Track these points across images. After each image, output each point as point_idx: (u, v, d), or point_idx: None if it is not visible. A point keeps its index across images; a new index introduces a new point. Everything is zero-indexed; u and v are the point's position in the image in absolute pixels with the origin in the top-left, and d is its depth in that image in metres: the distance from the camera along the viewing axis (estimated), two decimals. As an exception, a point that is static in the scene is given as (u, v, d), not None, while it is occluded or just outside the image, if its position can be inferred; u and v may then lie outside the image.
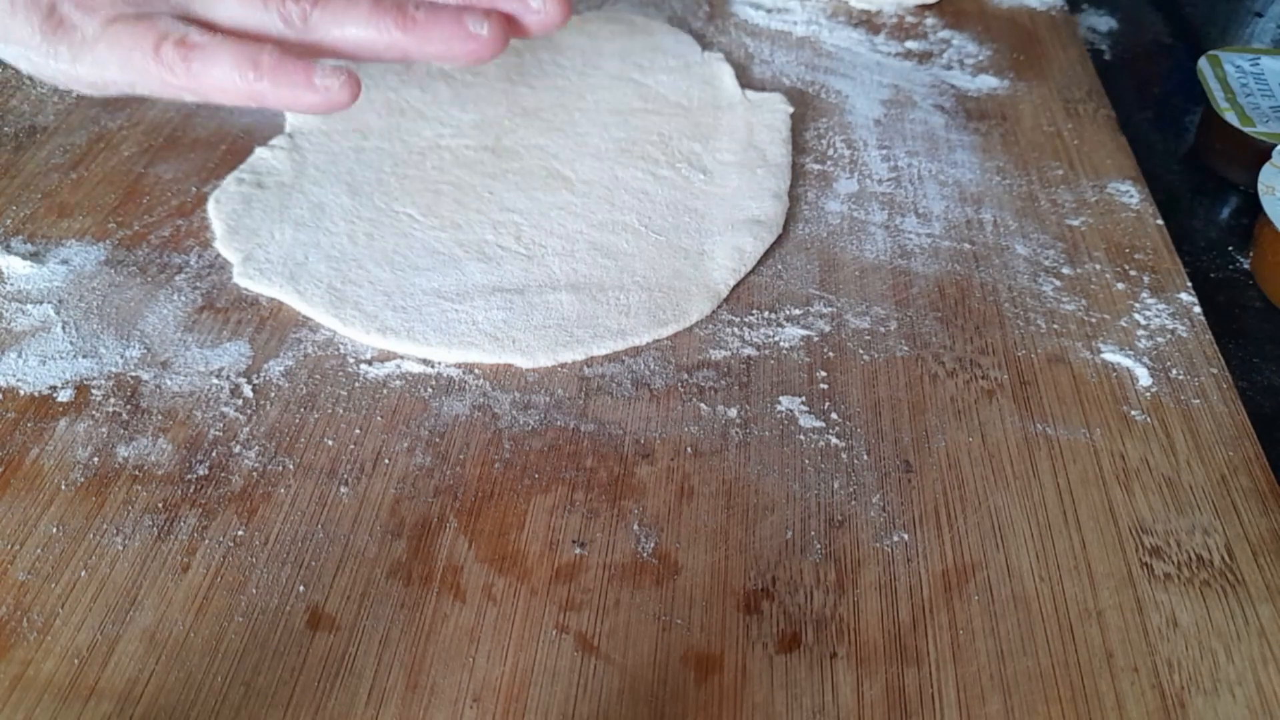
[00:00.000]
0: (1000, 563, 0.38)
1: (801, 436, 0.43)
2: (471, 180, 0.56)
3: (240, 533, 0.39)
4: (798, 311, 0.48)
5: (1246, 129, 0.58)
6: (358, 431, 0.43)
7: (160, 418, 0.43)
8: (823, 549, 0.38)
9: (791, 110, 0.61)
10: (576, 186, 0.55)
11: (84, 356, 0.46)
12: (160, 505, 0.40)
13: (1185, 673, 0.35)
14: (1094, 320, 0.48)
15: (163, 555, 0.38)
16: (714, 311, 0.48)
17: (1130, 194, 0.56)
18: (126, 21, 0.43)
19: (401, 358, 0.46)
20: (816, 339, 0.47)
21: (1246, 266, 0.54)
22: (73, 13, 0.43)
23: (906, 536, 0.39)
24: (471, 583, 0.37)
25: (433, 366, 0.46)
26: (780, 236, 0.53)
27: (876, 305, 0.49)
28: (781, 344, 0.47)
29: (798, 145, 0.60)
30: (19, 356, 0.46)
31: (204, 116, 0.62)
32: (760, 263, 0.51)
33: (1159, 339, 0.47)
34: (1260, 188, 0.52)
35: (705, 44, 0.69)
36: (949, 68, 0.68)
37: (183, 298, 0.49)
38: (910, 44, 0.71)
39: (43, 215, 0.54)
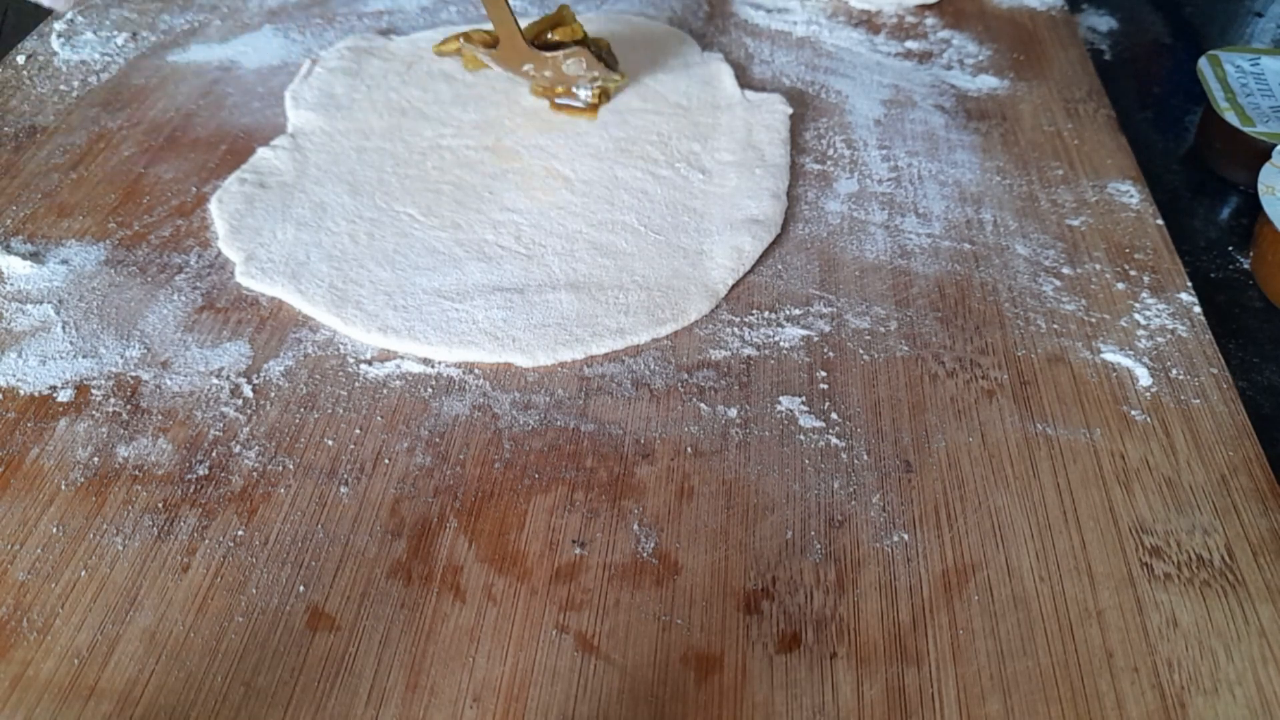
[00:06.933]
0: (1000, 563, 0.38)
1: (801, 436, 0.43)
2: (472, 180, 0.56)
3: (240, 533, 0.39)
4: (798, 311, 0.48)
5: (1246, 129, 0.58)
6: (358, 431, 0.43)
7: (160, 418, 0.43)
8: (823, 549, 0.38)
9: (790, 111, 0.61)
10: (576, 186, 0.55)
11: (84, 356, 0.46)
12: (160, 505, 0.40)
13: (1185, 673, 0.35)
14: (1094, 320, 0.48)
15: (163, 555, 0.38)
16: (714, 311, 0.48)
17: (1130, 194, 0.56)
18: None
19: (401, 357, 0.46)
20: (816, 339, 0.47)
21: (1246, 266, 0.54)
22: None
23: (906, 536, 0.39)
24: (471, 583, 0.37)
25: (433, 366, 0.46)
26: (780, 236, 0.53)
27: (876, 305, 0.49)
28: (781, 344, 0.47)
29: (797, 145, 0.60)
30: (19, 356, 0.46)
31: (204, 116, 0.62)
32: (760, 262, 0.51)
33: (1159, 339, 0.47)
34: (1260, 188, 0.52)
35: (705, 44, 0.69)
36: (949, 68, 0.68)
37: (183, 298, 0.49)
38: (910, 44, 0.71)
39: (43, 215, 0.54)
